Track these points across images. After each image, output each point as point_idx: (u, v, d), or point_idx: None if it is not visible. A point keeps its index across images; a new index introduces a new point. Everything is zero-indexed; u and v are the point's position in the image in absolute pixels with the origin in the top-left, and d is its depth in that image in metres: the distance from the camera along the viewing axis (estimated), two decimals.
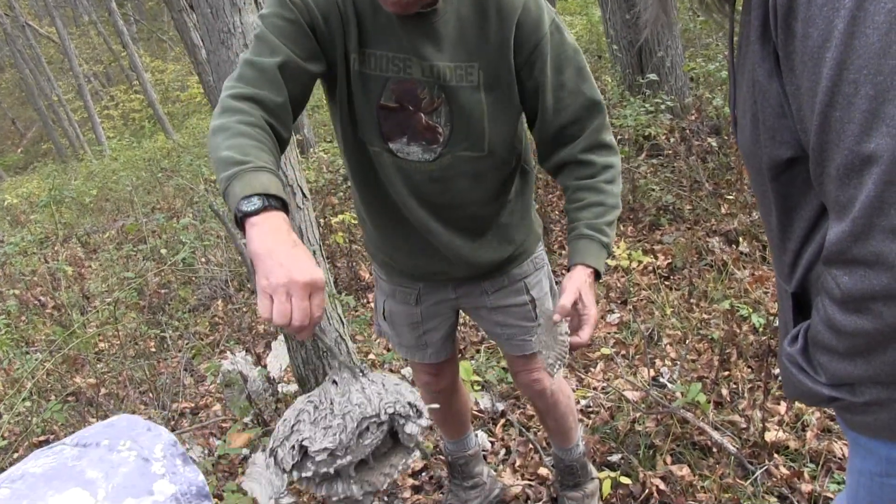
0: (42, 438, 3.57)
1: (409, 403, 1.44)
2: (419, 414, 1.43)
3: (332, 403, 1.36)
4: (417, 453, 1.51)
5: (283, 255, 1.21)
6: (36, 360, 2.90)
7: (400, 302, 2.12)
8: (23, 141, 28.09)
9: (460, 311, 2.21)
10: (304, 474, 1.34)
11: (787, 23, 0.92)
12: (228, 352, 3.54)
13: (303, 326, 1.20)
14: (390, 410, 1.37)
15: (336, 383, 1.40)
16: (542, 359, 1.71)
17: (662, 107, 5.93)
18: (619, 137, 5.96)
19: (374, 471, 1.48)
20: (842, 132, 0.88)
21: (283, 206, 1.30)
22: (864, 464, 1.20)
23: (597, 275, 1.71)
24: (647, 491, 2.47)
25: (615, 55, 7.01)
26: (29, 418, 3.13)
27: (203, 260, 5.14)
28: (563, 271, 4.54)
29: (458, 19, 1.63)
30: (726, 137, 5.48)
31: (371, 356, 3.96)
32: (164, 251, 4.60)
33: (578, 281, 1.67)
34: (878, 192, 0.85)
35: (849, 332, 0.95)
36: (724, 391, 2.96)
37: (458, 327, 2.40)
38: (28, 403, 3.05)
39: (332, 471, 1.35)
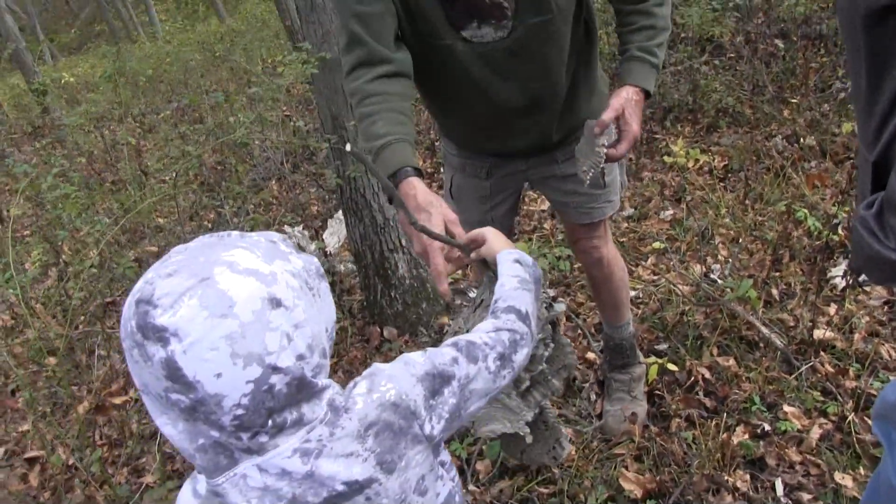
0: (110, 300, 3.73)
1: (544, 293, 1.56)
2: (552, 299, 1.55)
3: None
4: (565, 339, 1.62)
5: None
6: (103, 223, 2.99)
7: (470, 175, 2.15)
8: (77, 21, 28.08)
9: (524, 186, 2.24)
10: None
11: None
12: (287, 226, 3.62)
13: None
14: (546, 297, 1.47)
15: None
16: (577, 166, 1.78)
17: (730, 5, 5.73)
18: (681, 36, 5.80)
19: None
20: None
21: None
22: None
23: (647, 94, 1.78)
24: (692, 378, 2.53)
25: None
26: (94, 283, 3.26)
27: (259, 140, 5.19)
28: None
29: None
30: (794, 40, 5.30)
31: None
32: (212, 123, 4.64)
33: (623, 98, 1.73)
34: None
35: None
36: (775, 291, 2.97)
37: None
38: (94, 270, 3.16)
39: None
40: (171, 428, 0.88)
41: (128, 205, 3.20)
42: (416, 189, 1.51)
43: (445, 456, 1.12)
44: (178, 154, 3.79)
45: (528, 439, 1.48)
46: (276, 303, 0.85)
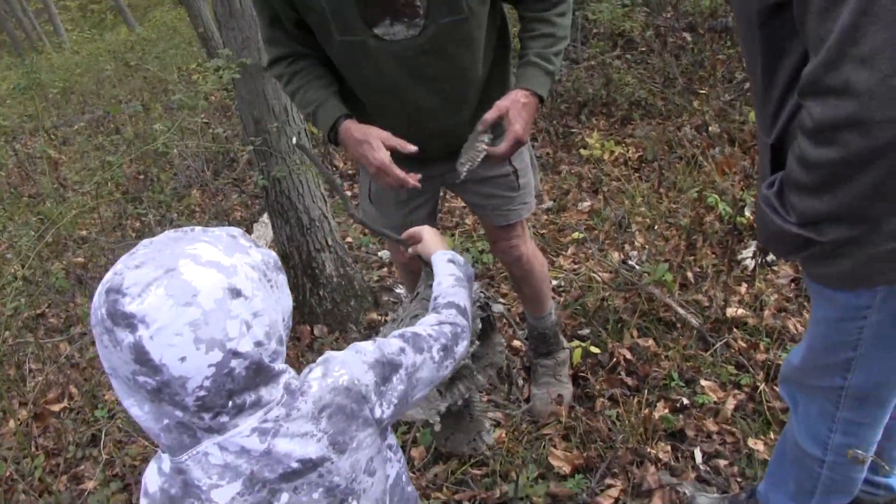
0: (39, 312, 3.67)
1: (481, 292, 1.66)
2: (489, 299, 1.67)
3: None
4: (501, 338, 1.72)
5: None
6: (30, 236, 2.96)
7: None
8: None
9: (442, 189, 2.31)
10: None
11: None
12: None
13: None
14: (483, 297, 1.57)
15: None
16: (457, 160, 1.87)
17: (639, 1, 5.93)
18: (594, 31, 5.98)
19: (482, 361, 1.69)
20: None
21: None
22: (824, 312, 1.35)
23: (541, 99, 1.86)
24: (614, 360, 2.65)
25: None
26: (20, 297, 3.21)
27: (179, 149, 5.15)
28: (537, 161, 4.68)
29: None
30: (701, 33, 5.52)
31: (349, 239, 4.08)
32: (140, 138, 4.61)
33: (510, 99, 1.83)
34: (853, 20, 0.93)
35: (818, 164, 1.05)
36: (690, 274, 3.12)
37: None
38: (19, 283, 3.11)
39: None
40: (138, 409, 0.93)
41: (51, 217, 3.16)
42: (351, 129, 1.87)
43: (392, 439, 1.20)
44: (98, 165, 3.75)
45: (437, 427, 1.60)
46: (236, 293, 0.91)
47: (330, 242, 3.10)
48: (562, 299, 3.13)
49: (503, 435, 2.41)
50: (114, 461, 2.65)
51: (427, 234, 1.53)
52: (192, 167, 5.18)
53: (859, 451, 1.44)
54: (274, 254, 1.05)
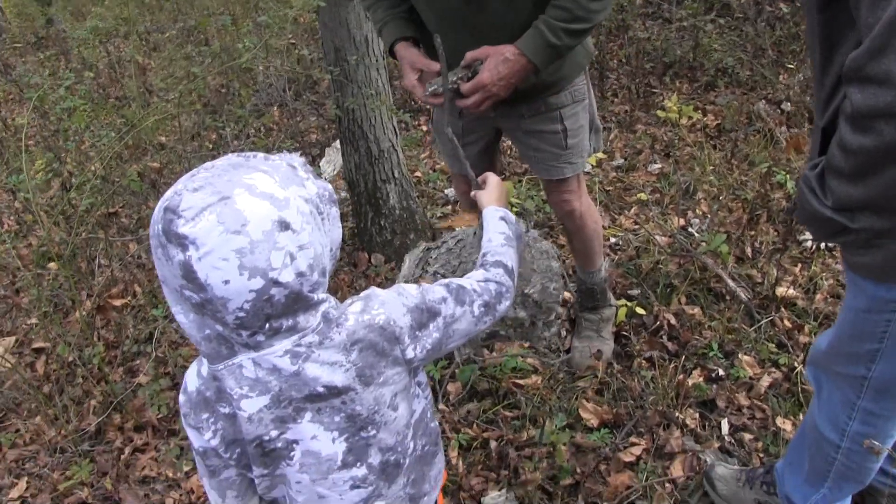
0: (112, 211, 3.85)
1: (525, 293, 1.72)
2: (531, 305, 1.72)
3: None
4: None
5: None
6: (110, 136, 3.10)
7: (446, 113, 2.26)
8: None
9: (501, 131, 2.34)
10: None
11: None
12: (285, 151, 3.72)
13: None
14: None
15: None
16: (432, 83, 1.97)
17: None
18: None
19: None
20: None
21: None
22: (854, 301, 1.37)
23: (534, 66, 1.86)
24: (658, 323, 2.68)
25: None
26: (97, 195, 3.37)
27: (263, 67, 5.25)
28: (613, 118, 4.65)
29: None
30: (798, 6, 5.34)
31: (418, 173, 4.14)
32: (219, 47, 4.71)
33: (494, 49, 1.85)
34: None
35: (854, 150, 1.07)
36: (748, 249, 3.11)
37: (502, 154, 2.54)
38: (98, 181, 3.27)
39: None
40: (183, 317, 1.02)
41: (133, 121, 3.30)
42: (400, 52, 2.06)
43: (422, 377, 1.27)
44: (183, 74, 3.86)
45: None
46: (284, 225, 0.96)
47: (396, 175, 3.17)
48: (616, 257, 3.16)
49: (538, 381, 2.48)
50: (166, 360, 2.82)
51: (492, 183, 1.56)
52: (275, 86, 5.27)
53: (875, 442, 1.46)
54: (330, 186, 1.10)
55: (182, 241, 0.93)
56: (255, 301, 0.97)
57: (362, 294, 1.16)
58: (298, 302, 1.02)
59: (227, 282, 0.94)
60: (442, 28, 1.96)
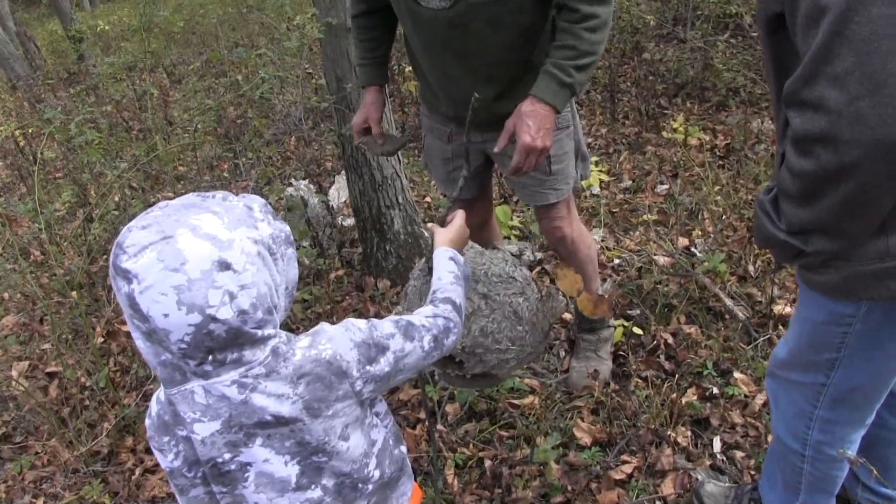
0: None
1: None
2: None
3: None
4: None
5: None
6: (123, 170, 3.22)
7: (436, 138, 2.38)
8: None
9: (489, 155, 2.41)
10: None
11: None
12: (294, 179, 3.82)
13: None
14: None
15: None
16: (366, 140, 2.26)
17: None
18: (698, 13, 5.87)
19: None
20: None
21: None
22: (812, 313, 1.41)
23: (554, 108, 1.88)
24: (655, 342, 2.71)
25: None
26: (114, 224, 3.49)
27: (280, 96, 5.39)
28: (623, 140, 4.69)
29: None
30: None
31: (428, 199, 4.22)
32: (239, 79, 4.85)
33: (514, 116, 1.89)
34: (826, 40, 0.99)
35: (798, 174, 1.12)
36: (751, 268, 3.13)
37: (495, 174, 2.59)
38: (116, 211, 3.39)
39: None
40: (140, 343, 1.09)
41: (152, 152, 3.41)
42: (365, 100, 2.30)
43: (381, 406, 1.33)
44: (201, 107, 3.99)
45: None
46: (225, 265, 1.03)
47: (400, 200, 3.24)
48: (619, 278, 3.19)
49: (535, 401, 2.52)
50: None
51: (453, 225, 1.63)
52: (292, 115, 5.40)
53: (850, 453, 1.49)
54: (286, 228, 1.17)
55: (126, 275, 1.01)
56: (195, 334, 1.03)
57: (312, 330, 1.21)
58: (241, 337, 1.08)
59: (166, 315, 1.01)
60: (428, 51, 2.05)
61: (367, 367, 1.20)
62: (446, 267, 1.50)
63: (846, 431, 1.53)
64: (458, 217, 1.67)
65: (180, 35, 10.24)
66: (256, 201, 1.15)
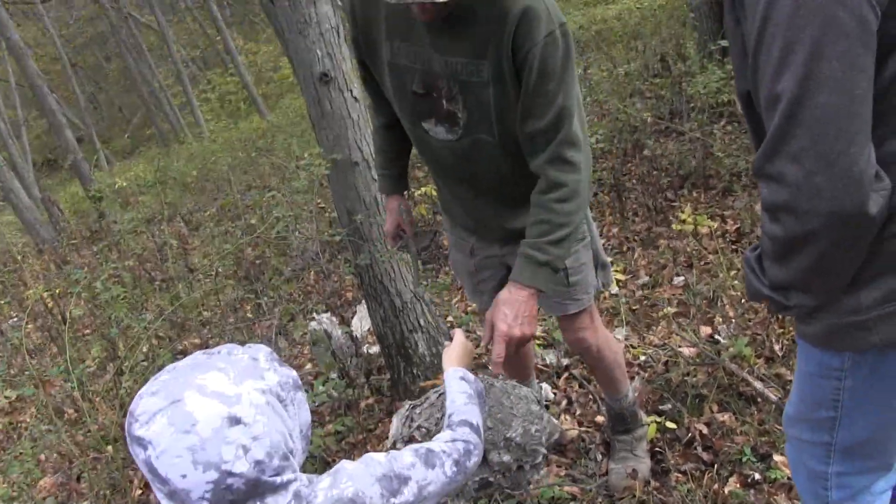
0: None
1: (506, 437, 1.81)
2: (515, 448, 1.83)
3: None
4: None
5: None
6: (148, 321, 3.31)
7: (459, 251, 2.44)
8: (129, 127, 29.53)
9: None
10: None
11: None
12: (316, 314, 3.90)
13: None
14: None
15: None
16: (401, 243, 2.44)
17: None
18: (692, 105, 6.04)
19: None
20: (764, 73, 1.13)
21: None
22: (806, 366, 1.48)
23: (537, 289, 1.89)
24: (690, 434, 2.69)
25: (693, 23, 7.05)
26: (143, 376, 3.55)
27: (296, 233, 5.54)
28: (636, 237, 4.76)
29: (470, 18, 1.82)
30: None
31: (450, 318, 4.26)
32: (254, 222, 5.01)
33: (495, 303, 1.89)
34: (782, 122, 1.10)
35: (770, 237, 1.21)
36: (776, 347, 3.12)
37: None
38: (145, 362, 3.46)
39: None
40: (165, 501, 1.11)
41: (170, 303, 3.51)
42: (389, 208, 2.45)
43: None
44: (218, 252, 4.12)
45: None
46: (235, 420, 1.07)
47: (423, 323, 3.30)
48: (647, 375, 3.19)
49: None
50: None
51: (456, 342, 1.68)
52: (309, 250, 5.54)
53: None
54: (294, 373, 1.20)
55: (141, 442, 1.05)
56: (215, 491, 1.06)
57: (332, 469, 1.23)
58: (260, 486, 1.10)
59: (184, 476, 1.04)
60: (440, 174, 2.19)
61: (392, 500, 1.21)
62: (458, 388, 1.52)
63: (866, 482, 1.53)
64: (458, 335, 1.72)
65: (194, 183, 10.61)
66: (261, 351, 1.19)
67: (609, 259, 4.26)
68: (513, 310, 1.86)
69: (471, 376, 1.58)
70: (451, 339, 1.76)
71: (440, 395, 1.97)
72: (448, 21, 1.83)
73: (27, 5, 23.47)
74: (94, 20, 27.04)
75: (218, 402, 1.07)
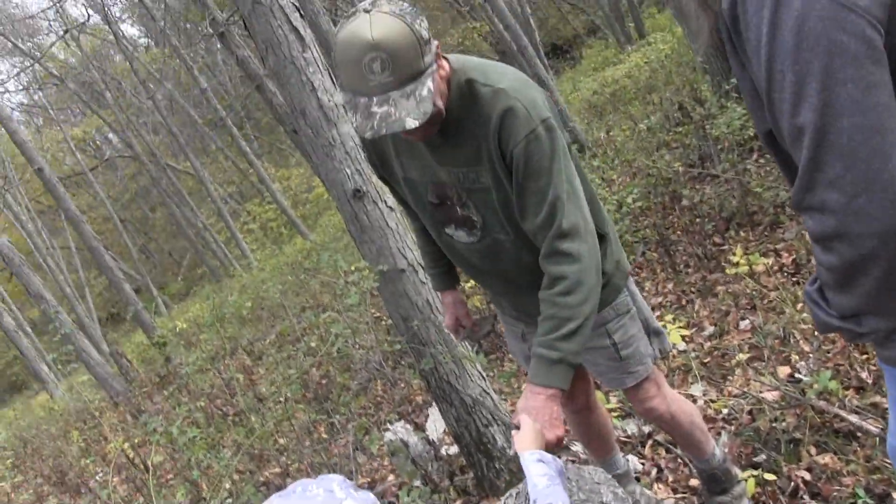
0: None
1: (602, 503, 1.77)
2: None
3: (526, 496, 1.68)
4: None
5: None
6: (227, 458, 3.32)
7: (512, 337, 2.46)
8: (180, 269, 30.38)
9: None
10: None
11: (736, 28, 1.19)
12: (389, 424, 3.88)
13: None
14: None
15: None
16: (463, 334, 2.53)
17: None
18: (719, 147, 6.03)
19: None
20: (781, 109, 1.12)
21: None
22: (894, 391, 1.39)
23: (558, 388, 1.83)
24: (793, 484, 2.58)
25: (703, 67, 7.10)
26: None
27: (357, 347, 5.56)
28: (692, 289, 4.68)
29: (460, 128, 1.88)
30: None
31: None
32: (314, 344, 5.05)
33: (520, 405, 1.84)
34: (812, 154, 1.08)
35: (827, 268, 1.17)
36: (864, 375, 3.01)
37: None
38: (230, 500, 3.46)
39: None
40: None
41: (252, 435, 3.52)
42: (445, 303, 2.52)
43: None
44: (284, 377, 4.15)
45: None
46: None
47: (496, 416, 3.25)
48: (733, 428, 3.09)
49: None
50: None
51: (524, 426, 1.66)
52: (372, 361, 5.55)
53: None
54: (370, 496, 1.20)
55: None
56: None
57: None
58: None
59: None
60: (473, 275, 2.24)
61: None
62: (537, 471, 1.50)
63: None
64: (524, 419, 1.69)
65: (250, 314, 10.77)
66: (335, 481, 1.19)
67: (669, 316, 4.22)
68: (535, 408, 1.80)
69: (548, 457, 1.55)
70: (516, 426, 1.73)
71: (515, 496, 1.92)
72: (441, 134, 1.89)
73: (78, 175, 24.70)
74: (136, 176, 28.30)
75: None
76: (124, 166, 29.40)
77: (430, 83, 1.71)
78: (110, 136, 31.27)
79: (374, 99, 1.68)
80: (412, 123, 1.68)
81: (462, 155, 1.91)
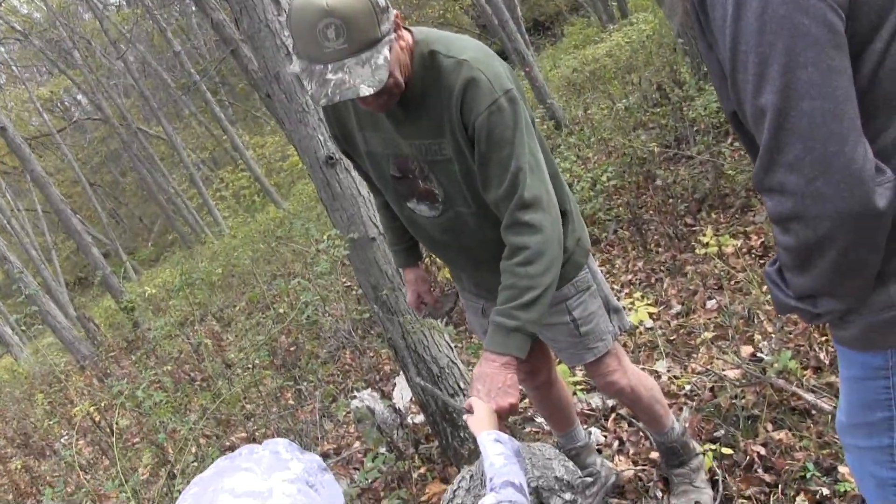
0: None
1: (556, 478, 1.77)
2: (567, 486, 1.78)
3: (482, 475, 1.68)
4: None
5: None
6: (194, 423, 3.33)
7: (472, 312, 2.49)
8: (151, 235, 30.08)
9: None
10: None
11: (703, 8, 1.20)
12: (356, 391, 3.90)
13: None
14: (534, 484, 1.70)
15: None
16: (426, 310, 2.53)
17: None
18: (696, 128, 6.07)
19: None
20: (745, 90, 1.14)
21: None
22: (849, 371, 1.45)
23: (512, 356, 1.82)
24: (748, 458, 2.64)
25: (684, 48, 7.13)
26: (196, 475, 3.56)
27: (326, 315, 5.57)
28: (662, 268, 4.73)
29: (422, 100, 1.88)
30: None
31: None
32: (283, 310, 5.05)
33: (472, 378, 1.86)
34: (772, 135, 1.11)
35: (784, 248, 1.21)
36: (822, 356, 3.08)
37: None
38: (196, 463, 3.47)
39: None
40: None
41: (213, 402, 3.53)
42: (407, 279, 2.54)
43: None
44: (252, 344, 4.17)
45: None
46: None
47: (462, 386, 3.28)
48: (695, 403, 3.15)
49: None
50: None
51: (477, 409, 1.68)
52: (341, 330, 5.56)
53: None
54: (317, 457, 1.21)
55: None
56: None
57: None
58: None
59: None
60: (434, 250, 2.27)
61: None
62: (494, 450, 1.52)
63: None
64: (476, 403, 1.72)
65: (220, 281, 10.72)
66: (280, 443, 1.19)
67: (637, 293, 4.27)
68: (486, 384, 1.80)
69: (504, 437, 1.57)
70: (468, 410, 1.75)
71: (471, 476, 1.95)
72: (403, 106, 1.89)
73: (45, 137, 24.28)
74: (106, 140, 27.85)
75: (251, 500, 1.06)
76: (94, 129, 28.91)
77: (386, 51, 1.70)
78: (79, 97, 30.67)
79: (329, 66, 1.67)
80: (366, 91, 1.68)
81: (425, 127, 1.91)
